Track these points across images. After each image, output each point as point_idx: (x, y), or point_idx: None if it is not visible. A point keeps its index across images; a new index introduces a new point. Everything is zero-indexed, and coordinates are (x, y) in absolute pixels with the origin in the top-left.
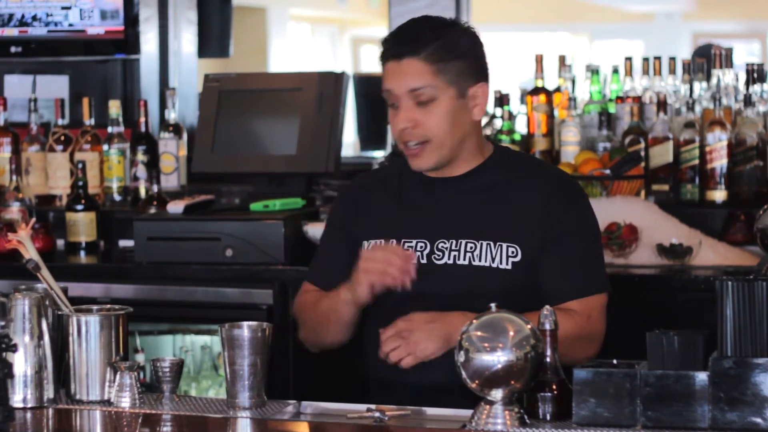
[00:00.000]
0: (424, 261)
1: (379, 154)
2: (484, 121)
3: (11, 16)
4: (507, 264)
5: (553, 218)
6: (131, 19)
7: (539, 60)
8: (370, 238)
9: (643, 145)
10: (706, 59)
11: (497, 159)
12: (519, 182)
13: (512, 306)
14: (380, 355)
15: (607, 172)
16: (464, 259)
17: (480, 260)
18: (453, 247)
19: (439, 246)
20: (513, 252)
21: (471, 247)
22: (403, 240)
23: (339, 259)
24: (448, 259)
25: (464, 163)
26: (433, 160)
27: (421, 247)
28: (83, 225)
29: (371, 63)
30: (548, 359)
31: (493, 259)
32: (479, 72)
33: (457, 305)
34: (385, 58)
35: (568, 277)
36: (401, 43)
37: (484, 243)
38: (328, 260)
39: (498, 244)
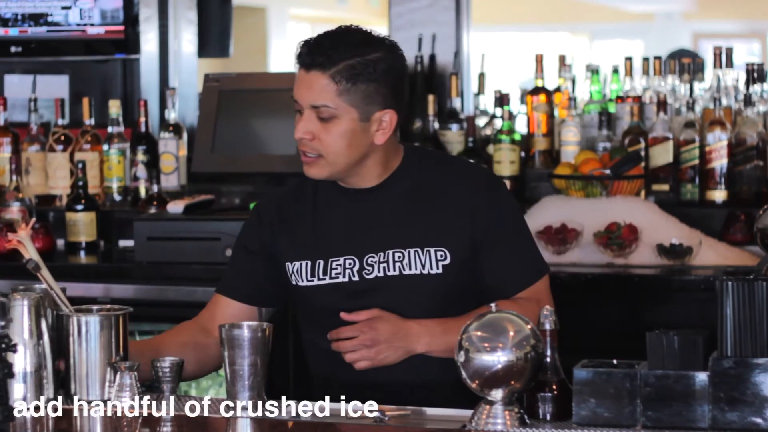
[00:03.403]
0: (356, 278)
1: None
2: (484, 121)
3: (11, 16)
4: (438, 268)
5: (481, 215)
6: (131, 19)
7: (539, 60)
8: (294, 260)
9: (643, 145)
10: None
11: (410, 163)
12: (436, 183)
13: (447, 308)
14: (336, 348)
15: (607, 172)
16: (394, 270)
17: (410, 269)
18: (381, 259)
19: (369, 261)
20: (442, 255)
21: (399, 257)
22: (330, 259)
23: (253, 271)
24: (378, 272)
25: (371, 176)
26: (325, 173)
27: (350, 264)
28: (83, 225)
29: None
30: (548, 359)
31: (423, 266)
32: (389, 98)
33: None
34: (297, 62)
35: (510, 271)
36: (314, 53)
37: (412, 251)
38: (241, 272)
39: (426, 249)
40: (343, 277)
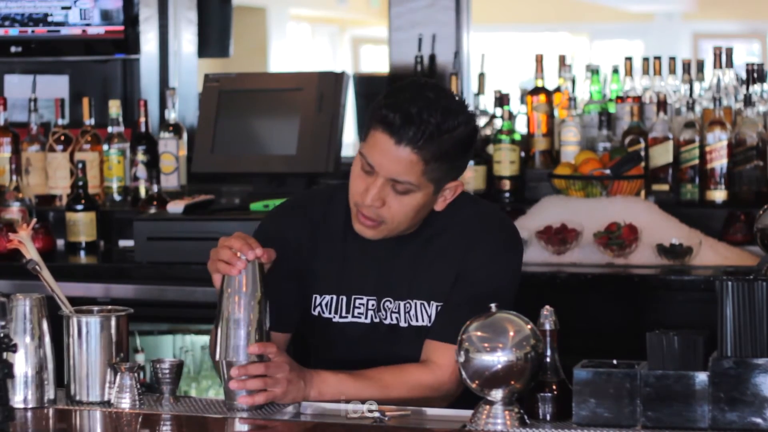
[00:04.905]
0: (376, 320)
1: None
2: (484, 121)
3: (11, 16)
4: None
5: (465, 262)
6: (131, 19)
7: (539, 60)
8: (323, 293)
9: (643, 145)
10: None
11: (444, 214)
12: (455, 238)
13: None
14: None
15: (607, 172)
16: (404, 321)
17: (417, 320)
18: (395, 309)
19: (385, 305)
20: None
21: (407, 307)
22: (354, 297)
23: (289, 296)
24: (392, 320)
25: (407, 230)
26: (381, 235)
27: (372, 305)
28: (83, 225)
29: (371, 63)
30: (548, 359)
31: (430, 318)
32: (462, 170)
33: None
34: (381, 126)
35: (441, 318)
36: (407, 126)
37: (418, 303)
38: (282, 304)
39: (431, 303)
40: (365, 318)
